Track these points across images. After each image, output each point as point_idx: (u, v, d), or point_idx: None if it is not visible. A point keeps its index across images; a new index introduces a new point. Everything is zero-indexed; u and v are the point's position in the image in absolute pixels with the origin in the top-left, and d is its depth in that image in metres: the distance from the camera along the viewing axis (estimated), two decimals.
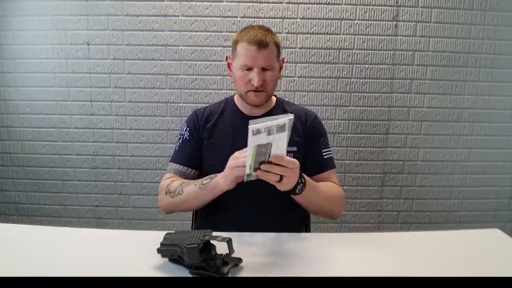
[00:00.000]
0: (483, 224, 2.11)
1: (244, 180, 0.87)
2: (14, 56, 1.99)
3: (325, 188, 1.08)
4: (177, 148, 1.19)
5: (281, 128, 0.79)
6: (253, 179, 0.87)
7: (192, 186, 1.04)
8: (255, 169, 0.85)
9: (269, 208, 1.10)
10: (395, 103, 2.04)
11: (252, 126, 0.76)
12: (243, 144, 1.12)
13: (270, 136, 0.78)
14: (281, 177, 0.86)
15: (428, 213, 2.15)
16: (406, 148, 2.09)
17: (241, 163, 0.87)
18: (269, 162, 0.85)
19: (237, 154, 0.92)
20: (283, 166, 0.85)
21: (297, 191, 0.94)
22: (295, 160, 0.88)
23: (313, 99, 2.02)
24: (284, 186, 0.89)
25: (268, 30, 1.08)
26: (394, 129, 2.07)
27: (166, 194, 1.09)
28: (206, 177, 1.03)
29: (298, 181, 0.93)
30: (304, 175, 0.97)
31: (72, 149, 2.08)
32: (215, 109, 1.21)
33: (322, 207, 1.09)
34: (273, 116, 0.80)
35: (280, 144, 0.82)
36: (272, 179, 0.86)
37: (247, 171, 0.84)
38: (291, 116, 0.81)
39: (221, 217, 1.13)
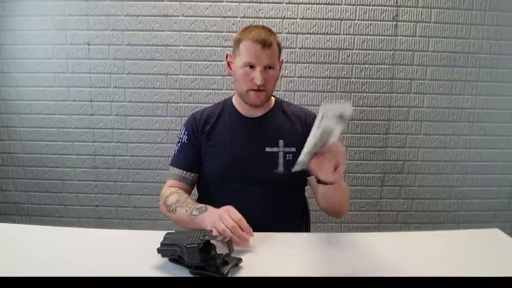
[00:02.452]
0: (483, 224, 2.11)
1: (292, 170, 0.87)
2: (14, 56, 1.99)
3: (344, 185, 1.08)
4: (176, 152, 1.19)
5: (344, 118, 0.74)
6: (301, 168, 0.85)
7: (183, 210, 1.02)
8: (311, 157, 0.83)
9: (268, 208, 1.10)
10: (395, 103, 2.04)
11: (324, 109, 0.73)
12: (241, 146, 1.13)
13: (337, 124, 0.74)
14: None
15: (428, 213, 2.15)
16: (405, 148, 2.09)
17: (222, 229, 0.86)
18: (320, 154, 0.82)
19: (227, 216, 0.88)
20: (336, 155, 0.82)
21: None
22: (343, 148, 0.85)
23: (313, 99, 2.02)
24: (337, 176, 0.86)
25: (270, 30, 1.09)
26: (394, 129, 2.07)
27: (164, 204, 1.09)
28: (198, 208, 0.99)
29: None
30: None
31: (72, 149, 2.08)
32: (213, 111, 1.20)
33: (338, 203, 1.08)
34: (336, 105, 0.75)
35: (336, 134, 0.78)
36: (327, 169, 0.84)
37: (302, 157, 0.82)
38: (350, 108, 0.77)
39: None
